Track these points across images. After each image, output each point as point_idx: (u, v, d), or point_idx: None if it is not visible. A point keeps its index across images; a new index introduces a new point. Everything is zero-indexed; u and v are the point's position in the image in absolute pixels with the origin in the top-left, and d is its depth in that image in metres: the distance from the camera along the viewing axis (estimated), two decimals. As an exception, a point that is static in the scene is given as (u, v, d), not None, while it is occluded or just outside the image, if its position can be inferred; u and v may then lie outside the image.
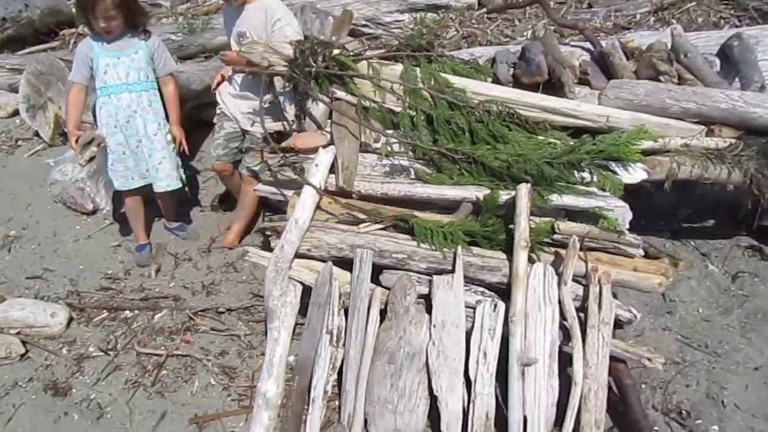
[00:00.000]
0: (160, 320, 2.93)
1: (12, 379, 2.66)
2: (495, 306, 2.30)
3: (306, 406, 2.29)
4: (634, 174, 2.59)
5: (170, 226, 3.58)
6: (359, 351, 2.31)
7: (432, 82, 2.75)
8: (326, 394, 2.30)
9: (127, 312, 2.99)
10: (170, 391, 2.57)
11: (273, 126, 2.87)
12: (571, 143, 2.65)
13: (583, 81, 3.07)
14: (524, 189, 2.35)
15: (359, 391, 2.26)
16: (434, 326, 2.28)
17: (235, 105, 3.17)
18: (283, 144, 2.68)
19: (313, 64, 2.70)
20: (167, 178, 3.27)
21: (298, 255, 2.45)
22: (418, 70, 2.78)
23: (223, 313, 2.93)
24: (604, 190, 2.52)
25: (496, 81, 2.97)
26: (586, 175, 2.54)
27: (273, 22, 2.90)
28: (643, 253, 2.53)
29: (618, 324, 2.34)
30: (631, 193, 2.54)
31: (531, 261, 2.37)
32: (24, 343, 2.79)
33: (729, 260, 3.05)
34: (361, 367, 2.28)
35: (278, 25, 2.90)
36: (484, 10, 5.65)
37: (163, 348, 2.77)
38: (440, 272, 2.38)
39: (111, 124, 3.10)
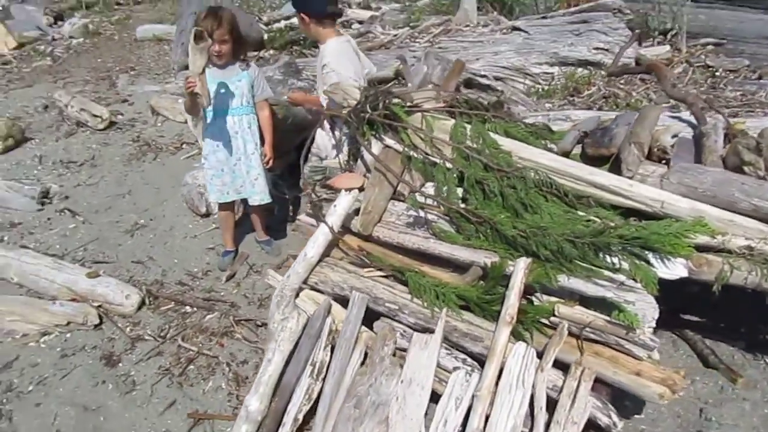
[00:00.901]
0: (208, 321, 3.26)
1: (82, 343, 3.14)
2: (469, 376, 2.25)
3: (277, 429, 2.42)
4: (673, 269, 2.35)
5: (259, 239, 3.95)
6: (335, 389, 2.39)
7: (480, 142, 2.76)
8: (296, 422, 2.40)
9: (187, 307, 3.37)
10: (188, 384, 2.86)
11: (331, 163, 3.07)
12: (612, 224, 2.48)
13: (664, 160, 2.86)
14: (522, 263, 2.27)
15: (326, 427, 2.33)
16: (401, 382, 2.28)
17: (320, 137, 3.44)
18: (328, 182, 2.86)
19: (369, 111, 2.85)
20: (261, 193, 3.62)
21: (310, 287, 2.62)
22: (468, 127, 2.80)
23: (261, 326, 3.17)
24: (635, 280, 2.33)
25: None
26: (617, 260, 2.37)
27: (322, 66, 3.13)
28: (658, 357, 2.29)
29: (598, 428, 2.15)
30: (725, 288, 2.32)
31: (523, 340, 2.28)
32: (100, 315, 3.27)
33: (806, 390, 2.60)
34: (332, 404, 2.36)
35: (325, 70, 3.12)
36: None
37: (200, 345, 3.08)
38: (426, 330, 2.38)
39: (213, 143, 3.51)
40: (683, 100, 3.31)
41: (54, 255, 3.83)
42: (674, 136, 3.18)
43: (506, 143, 2.75)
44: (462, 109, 2.88)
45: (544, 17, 6.53)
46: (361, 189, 2.70)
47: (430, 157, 2.77)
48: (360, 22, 8.07)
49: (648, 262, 2.36)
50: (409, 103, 2.90)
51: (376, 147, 2.87)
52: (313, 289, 2.62)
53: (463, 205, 2.61)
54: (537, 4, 7.64)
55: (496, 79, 5.65)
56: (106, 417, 2.72)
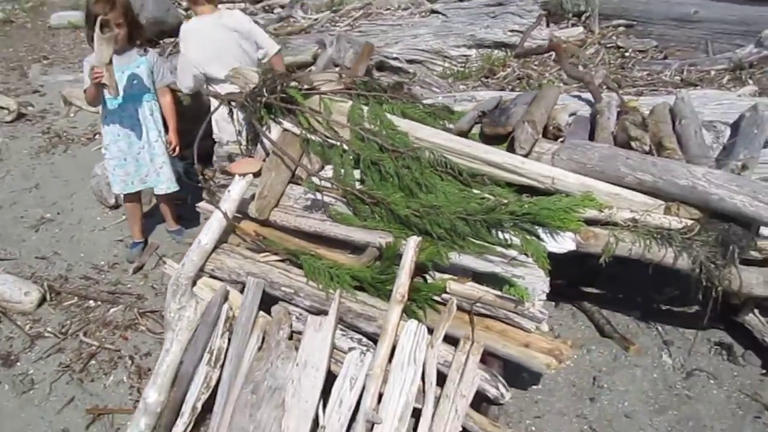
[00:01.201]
0: (112, 314, 3.17)
1: (-24, 344, 3.02)
2: (364, 356, 2.26)
3: (175, 419, 2.38)
4: (562, 243, 2.42)
5: (170, 229, 3.86)
6: (233, 375, 2.36)
7: (378, 123, 2.77)
8: (195, 411, 2.36)
9: (91, 302, 3.27)
10: (89, 380, 2.78)
11: (230, 148, 3.02)
12: (504, 201, 2.53)
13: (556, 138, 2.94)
14: (412, 242, 2.29)
15: (225, 414, 2.31)
16: (297, 365, 2.28)
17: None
18: (226, 167, 2.81)
19: (265, 95, 2.81)
20: (167, 182, 3.53)
21: (208, 275, 2.58)
22: (365, 109, 2.80)
23: (167, 317, 3.11)
24: (527, 255, 2.39)
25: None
26: (509, 236, 2.42)
27: None
28: (546, 329, 2.36)
29: (488, 399, 2.20)
30: (618, 261, 2.39)
31: (416, 318, 2.31)
32: (-3, 314, 3.15)
33: (692, 355, 2.72)
34: (230, 391, 2.34)
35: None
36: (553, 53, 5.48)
37: (103, 339, 3.00)
38: (321, 312, 2.38)
39: (115, 132, 3.39)
40: (581, 79, 3.40)
41: (-51, 255, 3.66)
42: (572, 114, 3.27)
43: (403, 124, 2.76)
44: (359, 90, 2.87)
45: (461, 0, 6.58)
46: (258, 174, 2.67)
47: (329, 140, 2.77)
48: (282, 7, 7.95)
49: (538, 237, 2.42)
50: (306, 86, 2.88)
51: (274, 131, 2.84)
52: (211, 276, 2.58)
53: (359, 187, 2.61)
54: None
55: (413, 62, 5.67)
56: (1, 418, 2.62)
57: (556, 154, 2.68)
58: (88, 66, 3.24)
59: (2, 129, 5.70)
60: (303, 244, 2.55)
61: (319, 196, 2.60)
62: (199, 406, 2.38)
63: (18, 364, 2.91)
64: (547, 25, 6.01)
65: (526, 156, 2.70)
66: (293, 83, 2.88)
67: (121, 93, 3.28)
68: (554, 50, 3.77)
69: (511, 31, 5.64)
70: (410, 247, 2.28)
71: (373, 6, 7.12)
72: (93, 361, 2.88)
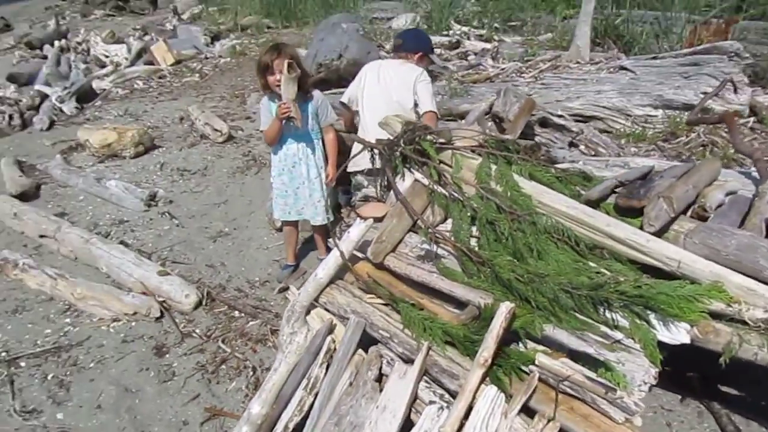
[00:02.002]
0: (250, 326, 3.52)
1: (142, 332, 3.53)
2: (441, 411, 2.28)
3: (270, 435, 2.59)
4: (676, 334, 2.23)
5: (320, 257, 4.17)
6: (323, 405, 2.51)
7: (504, 183, 2.79)
8: (286, 430, 2.56)
9: (236, 312, 3.66)
10: (215, 382, 3.12)
11: (368, 191, 3.22)
12: (621, 279, 2.40)
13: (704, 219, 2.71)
14: (504, 307, 2.27)
15: (311, 440, 2.47)
16: (377, 407, 2.36)
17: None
18: (356, 209, 3.02)
19: (402, 145, 2.98)
20: (322, 214, 3.85)
21: (321, 306, 2.78)
22: (494, 168, 2.84)
23: (294, 338, 3.37)
24: (633, 340, 2.25)
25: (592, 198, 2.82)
26: (617, 317, 2.29)
27: None
28: (639, 423, 2.18)
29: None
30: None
31: (500, 384, 2.27)
32: (162, 309, 3.65)
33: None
34: (318, 419, 2.49)
35: None
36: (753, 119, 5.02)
37: (236, 348, 3.34)
38: (410, 361, 2.44)
39: (280, 167, 3.79)
40: (749, 155, 3.08)
41: (144, 252, 4.32)
42: (730, 193, 2.99)
43: (528, 186, 2.75)
44: (490, 149, 2.91)
45: (654, 58, 6.24)
46: (381, 219, 2.83)
47: (453, 194, 2.84)
48: (475, 54, 8.16)
49: (649, 323, 2.26)
50: (442, 141, 2.99)
51: (407, 180, 2.98)
52: (323, 308, 2.77)
53: (473, 243, 2.65)
54: (659, 42, 7.29)
55: (593, 118, 5.51)
56: (140, 400, 3.04)
57: (689, 236, 2.49)
58: (265, 108, 3.68)
59: (213, 148, 6.58)
60: (408, 291, 2.64)
61: (433, 247, 2.68)
62: (291, 426, 2.55)
63: (167, 356, 3.35)
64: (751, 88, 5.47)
65: (656, 234, 2.54)
66: (430, 136, 3.01)
67: (288, 133, 3.66)
68: (725, 121, 3.44)
69: (704, 93, 5.23)
70: (501, 313, 2.26)
71: (563, 59, 7.03)
72: (223, 366, 3.23)
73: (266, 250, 4.42)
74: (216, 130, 6.75)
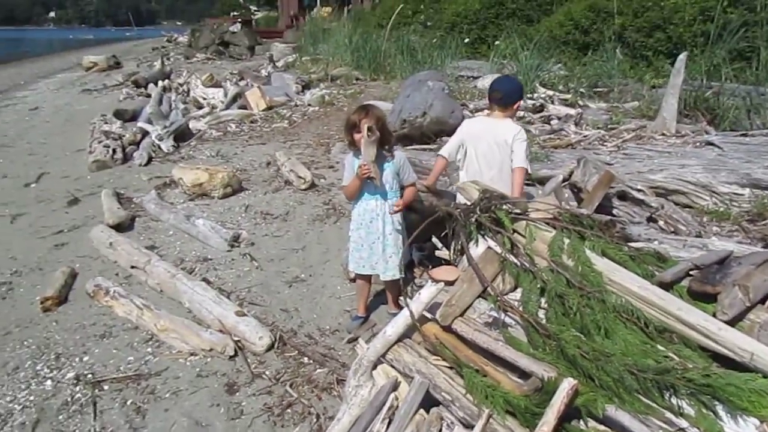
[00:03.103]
0: (318, 374, 3.65)
1: (216, 368, 3.73)
2: (497, 482, 2.32)
3: (329, 483, 2.69)
4: (743, 429, 2.21)
5: (390, 311, 4.29)
6: (382, 460, 2.60)
7: (576, 258, 2.85)
8: (347, 481, 2.65)
9: (305, 358, 3.81)
10: (279, 425, 3.25)
11: (442, 254, 3.34)
12: (689, 365, 2.40)
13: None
14: (566, 383, 2.30)
15: (367, 493, 2.56)
16: (434, 469, 2.43)
17: None
18: (428, 271, 3.13)
19: (478, 213, 3.09)
20: (393, 270, 3.99)
21: (387, 362, 2.89)
22: (566, 242, 2.90)
23: (358, 389, 3.48)
24: (699, 430, 2.23)
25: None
26: (683, 404, 2.29)
27: None
28: None
29: None
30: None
31: (560, 460, 2.30)
32: (236, 348, 3.85)
33: None
34: (376, 473, 2.58)
35: None
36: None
37: (303, 393, 3.48)
38: (470, 427, 2.49)
39: (358, 221, 3.98)
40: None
41: (223, 291, 4.58)
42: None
43: (599, 263, 2.79)
44: (565, 223, 2.98)
45: (743, 134, 6.13)
46: (452, 283, 2.93)
47: (525, 265, 2.92)
48: (559, 118, 8.23)
49: (716, 414, 2.24)
50: (516, 211, 3.09)
51: (480, 246, 3.08)
52: (389, 365, 2.88)
53: (541, 315, 2.71)
54: (750, 118, 7.15)
55: (676, 192, 5.45)
56: (208, 433, 3.22)
57: (764, 327, 2.46)
58: (349, 165, 3.90)
59: (296, 195, 6.91)
60: (473, 357, 2.71)
61: (501, 315, 2.76)
62: (352, 477, 2.65)
63: (237, 394, 3.52)
64: None
65: (730, 323, 2.52)
66: (506, 206, 3.11)
67: (368, 190, 3.86)
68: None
69: (796, 175, 5.09)
70: (564, 388, 2.29)
71: (648, 129, 7.00)
72: (289, 410, 3.36)
73: (338, 300, 4.58)
74: (300, 177, 7.08)
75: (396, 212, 3.92)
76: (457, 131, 4.34)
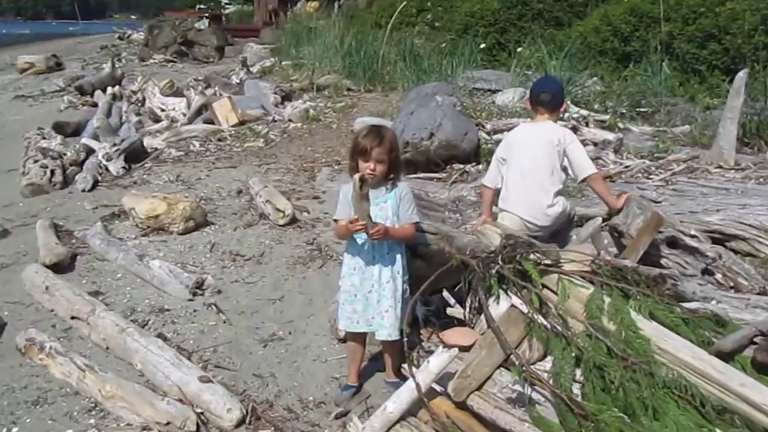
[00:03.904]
0: (294, 454, 3.66)
1: (171, 447, 3.73)
2: None
3: None
4: None
5: (387, 380, 4.28)
6: None
7: (618, 320, 2.89)
8: None
9: (280, 435, 3.81)
10: None
11: (455, 312, 3.37)
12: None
13: None
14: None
15: None
16: None
17: None
18: (439, 334, 3.16)
19: (499, 262, 3.14)
20: (389, 328, 3.97)
21: (389, 443, 2.91)
22: (607, 301, 2.94)
23: (347, 476, 3.47)
24: None
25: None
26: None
27: None
28: None
29: None
30: None
31: None
32: (199, 423, 3.84)
33: None
34: None
35: None
36: None
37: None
38: None
39: (350, 265, 4.00)
40: None
41: (183, 350, 4.58)
42: None
43: (647, 328, 2.83)
44: (605, 278, 3.03)
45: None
46: (468, 349, 2.96)
47: (556, 327, 2.95)
48: (595, 144, 8.32)
49: None
50: (546, 261, 3.13)
51: (502, 304, 3.12)
52: (392, 445, 2.90)
53: (576, 392, 2.73)
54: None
55: (735, 237, 5.51)
56: None
57: None
58: (345, 197, 3.93)
59: (273, 232, 6.94)
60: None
61: (527, 389, 2.78)
62: None
63: (201, 478, 3.51)
64: None
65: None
66: (534, 255, 3.16)
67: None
68: None
69: None
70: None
71: (702, 160, 7.12)
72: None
73: (324, 363, 4.57)
74: (278, 209, 7.11)
75: (375, 236, 3.74)
76: (498, 149, 4.63)
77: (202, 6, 52.14)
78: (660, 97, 11.30)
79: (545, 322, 2.99)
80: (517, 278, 3.10)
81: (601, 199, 4.63)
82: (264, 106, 13.09)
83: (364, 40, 17.17)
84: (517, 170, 4.47)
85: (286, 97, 14.10)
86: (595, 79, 12.90)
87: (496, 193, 4.63)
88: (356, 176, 3.56)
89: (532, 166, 4.43)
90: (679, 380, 2.63)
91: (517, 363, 2.87)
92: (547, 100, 4.54)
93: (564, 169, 4.52)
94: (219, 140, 11.03)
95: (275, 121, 12.22)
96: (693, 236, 4.48)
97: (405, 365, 3.28)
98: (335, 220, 4.07)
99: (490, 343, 2.96)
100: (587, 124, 9.45)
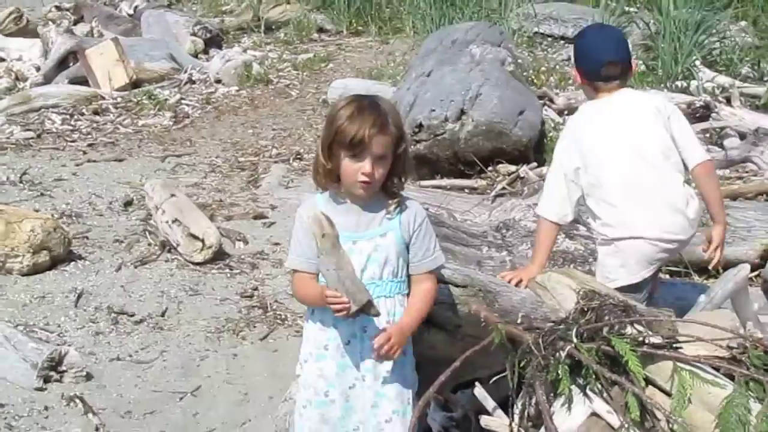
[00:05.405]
0: None
1: None
2: None
3: None
4: None
5: None
6: None
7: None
8: None
9: None
10: None
11: (491, 422, 3.11)
12: None
13: None
14: None
15: None
16: None
17: None
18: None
19: (573, 339, 2.85)
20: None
21: None
22: (755, 407, 2.74)
23: None
24: None
25: None
26: None
27: None
28: None
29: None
30: None
31: None
32: None
33: None
34: None
35: None
36: None
37: None
38: None
39: (321, 343, 3.54)
40: None
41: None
42: None
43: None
44: (753, 368, 2.79)
45: None
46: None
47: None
48: (742, 136, 7.87)
49: None
50: (653, 339, 2.88)
51: (575, 410, 2.85)
52: None
53: None
54: None
55: None
56: None
57: None
58: (304, 227, 3.43)
59: (185, 274, 6.49)
60: None
61: None
62: None
63: None
64: None
65: None
66: (633, 328, 2.92)
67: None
68: None
69: None
70: None
71: None
72: None
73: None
74: (194, 236, 6.69)
75: (384, 356, 3.44)
76: (560, 158, 4.35)
77: None
78: None
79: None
80: (604, 367, 2.82)
81: (709, 210, 4.34)
82: (174, 57, 12.57)
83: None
84: (618, 174, 4.19)
85: (214, 41, 13.62)
86: (743, 23, 12.42)
87: (561, 229, 4.40)
88: (316, 213, 3.18)
89: (640, 156, 4.20)
90: None
91: None
92: (615, 74, 4.33)
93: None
94: (96, 113, 10.59)
95: (193, 83, 11.79)
96: None
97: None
98: (294, 271, 3.62)
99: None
100: (728, 101, 8.99)
